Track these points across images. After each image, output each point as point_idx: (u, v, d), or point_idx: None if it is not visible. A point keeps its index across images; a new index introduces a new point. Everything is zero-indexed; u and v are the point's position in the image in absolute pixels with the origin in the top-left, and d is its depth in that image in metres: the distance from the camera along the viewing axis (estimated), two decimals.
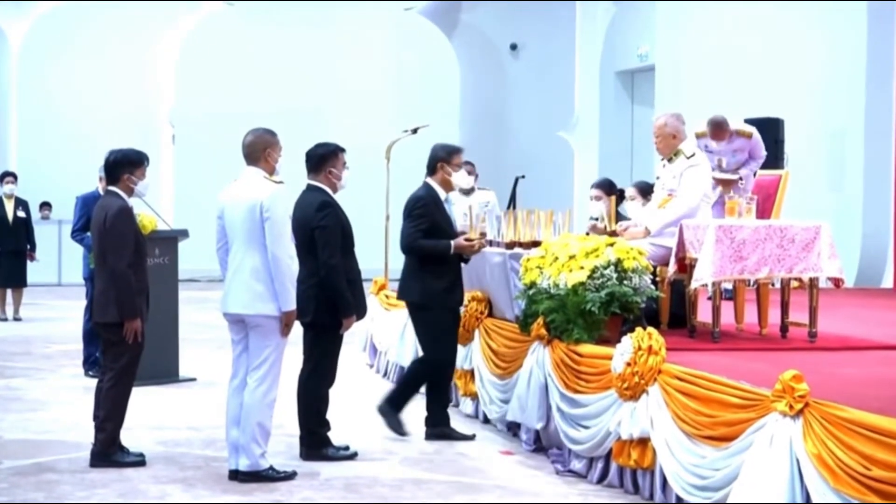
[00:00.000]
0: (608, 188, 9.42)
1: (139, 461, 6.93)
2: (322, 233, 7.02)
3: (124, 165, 7.00)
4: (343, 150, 7.32)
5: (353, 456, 7.18)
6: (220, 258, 6.76)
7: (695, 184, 7.78)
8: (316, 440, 7.20)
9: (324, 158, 7.22)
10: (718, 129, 10.58)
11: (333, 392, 8.98)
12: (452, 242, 7.69)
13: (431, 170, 7.81)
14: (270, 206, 6.49)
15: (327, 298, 7.02)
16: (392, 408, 7.84)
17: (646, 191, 9.20)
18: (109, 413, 6.90)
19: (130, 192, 7.03)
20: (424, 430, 7.81)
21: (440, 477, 6.78)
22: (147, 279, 7.06)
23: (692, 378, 5.76)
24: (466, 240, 7.81)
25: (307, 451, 7.17)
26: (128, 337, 6.85)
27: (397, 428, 7.80)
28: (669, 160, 7.99)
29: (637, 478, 6.28)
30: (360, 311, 7.27)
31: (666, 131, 7.92)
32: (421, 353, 8.11)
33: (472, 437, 7.78)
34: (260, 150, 6.68)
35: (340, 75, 22.61)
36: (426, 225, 7.67)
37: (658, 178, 8.10)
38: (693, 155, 7.86)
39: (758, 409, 5.10)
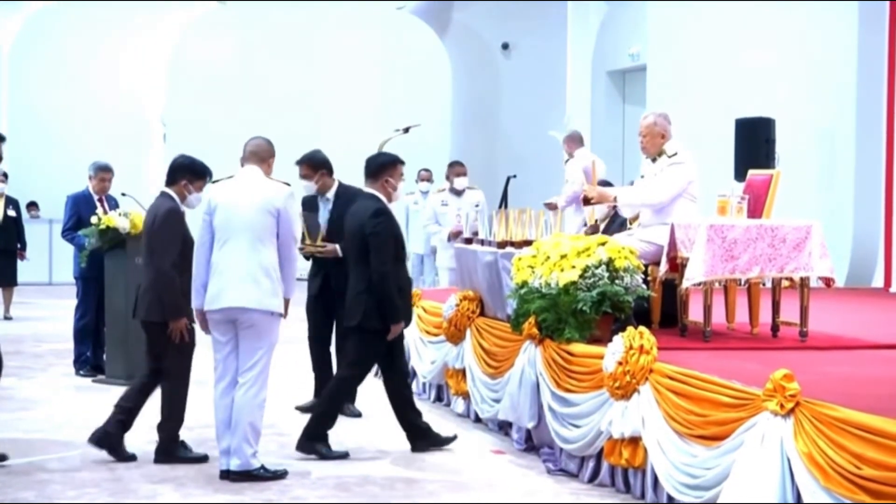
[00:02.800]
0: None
1: (201, 457, 7.04)
2: (375, 239, 7.13)
3: (187, 172, 7.15)
4: (402, 163, 7.49)
5: (344, 455, 7.19)
6: (202, 255, 6.68)
7: (671, 179, 7.77)
8: (314, 433, 7.23)
9: (383, 167, 7.38)
10: None
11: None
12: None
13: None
14: (288, 205, 6.66)
15: (376, 304, 7.12)
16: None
17: None
18: (168, 414, 7.09)
19: (183, 199, 7.14)
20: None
21: (431, 476, 6.78)
22: None
23: (683, 377, 5.76)
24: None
25: (303, 443, 7.22)
26: (174, 336, 6.95)
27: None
28: (653, 160, 7.99)
29: (628, 477, 6.29)
30: (407, 318, 7.44)
31: (655, 130, 7.92)
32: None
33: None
34: (267, 154, 6.82)
35: (332, 74, 22.57)
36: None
37: (642, 176, 8.11)
38: (675, 154, 7.86)
39: (749, 409, 5.11)
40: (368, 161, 7.44)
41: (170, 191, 7.13)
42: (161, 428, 7.09)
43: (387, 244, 7.16)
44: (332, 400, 7.40)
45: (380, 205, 7.25)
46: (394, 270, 7.20)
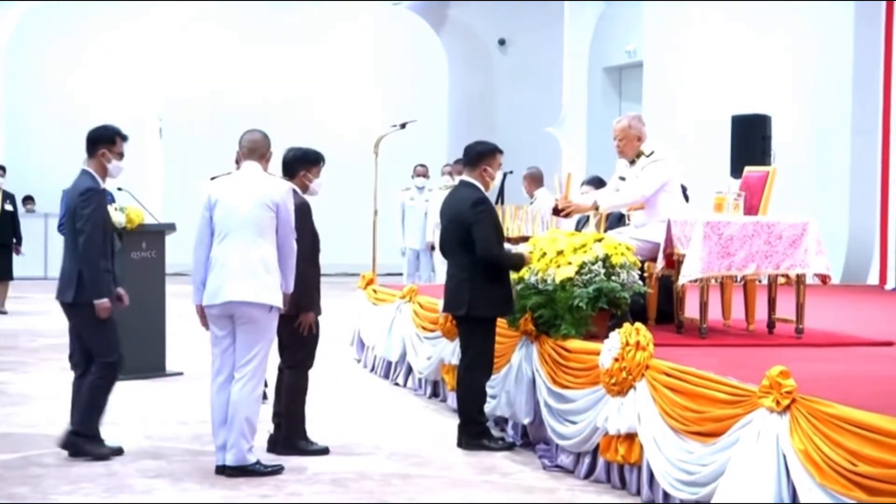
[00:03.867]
0: (598, 185, 9.45)
1: (322, 450, 7.11)
2: (479, 228, 7.16)
3: (303, 163, 7.21)
4: (501, 152, 7.52)
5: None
6: (201, 252, 6.68)
7: (654, 175, 7.79)
8: (474, 430, 7.32)
9: (481, 156, 7.43)
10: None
11: (322, 386, 8.98)
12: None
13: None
14: (287, 201, 6.65)
15: (482, 291, 7.18)
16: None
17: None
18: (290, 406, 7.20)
19: (305, 189, 7.20)
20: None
21: (428, 472, 6.78)
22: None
23: (679, 374, 5.77)
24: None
25: (466, 440, 7.31)
26: (303, 329, 7.05)
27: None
28: (632, 162, 7.99)
29: (624, 473, 6.29)
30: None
31: (631, 133, 7.93)
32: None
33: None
34: (264, 148, 6.80)
35: (329, 70, 22.59)
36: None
37: (622, 178, 8.08)
38: (653, 152, 7.88)
39: (745, 405, 5.11)
40: (467, 149, 7.49)
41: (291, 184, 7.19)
42: (282, 416, 7.18)
43: (490, 231, 7.22)
44: (471, 402, 7.38)
45: (479, 194, 7.30)
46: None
